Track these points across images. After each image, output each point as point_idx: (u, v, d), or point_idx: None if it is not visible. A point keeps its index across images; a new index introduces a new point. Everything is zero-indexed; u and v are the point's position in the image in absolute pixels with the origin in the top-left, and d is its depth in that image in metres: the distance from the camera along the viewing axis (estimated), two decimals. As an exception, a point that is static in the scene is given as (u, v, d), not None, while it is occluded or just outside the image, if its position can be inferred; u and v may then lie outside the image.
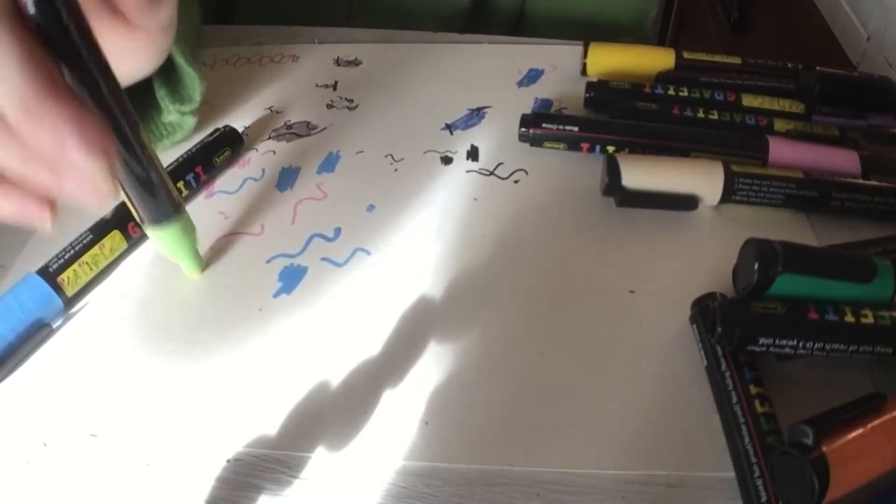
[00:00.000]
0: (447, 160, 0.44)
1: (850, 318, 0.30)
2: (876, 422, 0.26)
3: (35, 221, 0.25)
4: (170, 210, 0.32)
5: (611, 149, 0.43)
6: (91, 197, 0.24)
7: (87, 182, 0.23)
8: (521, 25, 0.63)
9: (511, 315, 0.35)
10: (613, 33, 0.62)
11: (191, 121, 0.43)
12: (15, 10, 0.22)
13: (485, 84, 0.50)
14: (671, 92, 0.46)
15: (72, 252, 0.35)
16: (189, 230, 0.34)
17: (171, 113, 0.42)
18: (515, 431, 0.30)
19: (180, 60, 0.40)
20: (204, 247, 0.38)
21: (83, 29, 0.25)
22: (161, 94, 0.41)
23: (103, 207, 0.26)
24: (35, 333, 0.33)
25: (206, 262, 0.37)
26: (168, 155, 0.42)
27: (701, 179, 0.39)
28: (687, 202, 0.39)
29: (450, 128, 0.46)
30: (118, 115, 0.27)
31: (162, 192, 0.32)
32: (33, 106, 0.22)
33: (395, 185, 0.42)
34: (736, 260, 0.34)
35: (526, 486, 0.28)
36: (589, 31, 0.59)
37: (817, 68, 0.45)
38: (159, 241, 0.34)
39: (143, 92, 0.41)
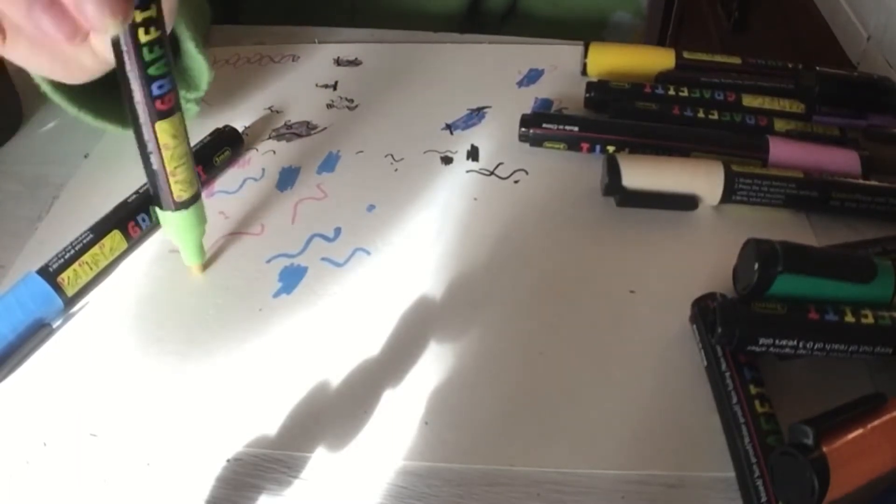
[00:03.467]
0: (447, 160, 0.44)
1: (850, 319, 0.30)
2: (876, 422, 0.26)
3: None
4: (189, 192, 0.33)
5: (611, 149, 0.43)
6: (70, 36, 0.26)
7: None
8: (515, 11, 0.63)
9: (511, 315, 0.35)
10: (611, 7, 0.62)
11: (194, 109, 0.43)
12: None
13: (485, 84, 0.50)
14: (671, 92, 0.46)
15: (72, 252, 0.35)
16: (201, 219, 0.35)
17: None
18: (515, 431, 0.30)
19: (190, 46, 0.40)
20: (204, 246, 0.38)
21: None
22: None
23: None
24: (35, 333, 0.33)
25: (206, 262, 0.37)
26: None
27: (701, 179, 0.39)
28: (687, 202, 0.39)
29: (450, 128, 0.46)
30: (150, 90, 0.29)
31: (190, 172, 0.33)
32: None
33: (395, 185, 0.42)
34: (736, 260, 0.34)
35: (526, 486, 0.28)
36: (586, 9, 0.59)
37: (817, 68, 0.45)
38: (170, 224, 0.34)
39: None
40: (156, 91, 0.29)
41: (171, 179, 0.32)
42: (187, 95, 0.42)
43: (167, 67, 0.29)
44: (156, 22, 0.28)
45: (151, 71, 0.28)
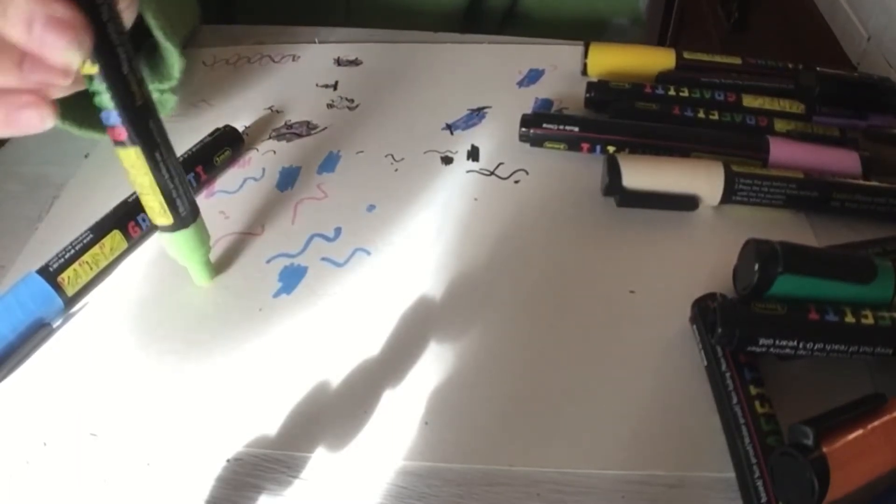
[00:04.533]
0: (447, 160, 0.44)
1: (850, 319, 0.30)
2: (876, 422, 0.26)
3: (31, 123, 0.25)
4: (187, 214, 0.32)
5: (611, 149, 0.43)
6: (57, 79, 0.25)
7: (56, 63, 0.24)
8: (515, 12, 0.63)
9: (511, 315, 0.35)
10: (610, 13, 0.62)
11: (171, 99, 0.43)
12: None
13: (485, 84, 0.50)
14: (671, 92, 0.46)
15: (72, 252, 0.35)
16: (203, 237, 0.34)
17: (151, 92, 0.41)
18: (515, 431, 0.30)
19: (159, 35, 0.40)
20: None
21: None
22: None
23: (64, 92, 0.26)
24: (35, 333, 0.33)
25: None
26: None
27: (701, 180, 0.39)
28: (687, 202, 0.39)
29: (450, 128, 0.46)
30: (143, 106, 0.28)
31: (178, 194, 0.31)
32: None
33: (396, 185, 0.42)
34: (736, 260, 0.34)
35: (526, 486, 0.28)
36: (585, 13, 0.59)
37: (817, 68, 0.45)
38: (172, 245, 0.33)
39: None
40: (105, 120, 0.28)
41: (142, 201, 0.31)
42: (160, 86, 0.42)
43: (112, 102, 0.27)
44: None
45: (95, 101, 0.28)
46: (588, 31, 0.62)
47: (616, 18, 0.63)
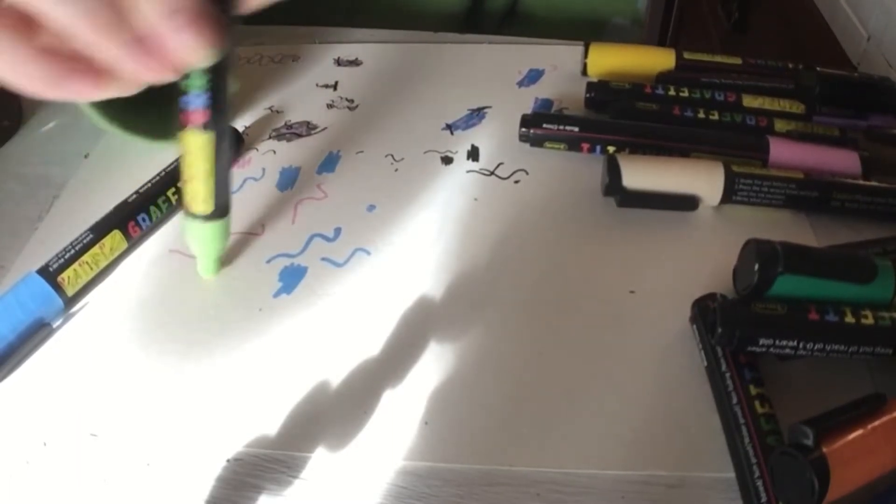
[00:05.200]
0: (447, 160, 0.44)
1: (850, 319, 0.30)
2: (876, 422, 0.26)
3: (82, 91, 0.24)
4: (226, 205, 0.33)
5: (611, 149, 0.43)
6: (160, 73, 0.23)
7: (172, 59, 0.23)
8: (515, 13, 0.63)
9: (511, 315, 0.35)
10: (609, 13, 0.62)
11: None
12: None
13: (485, 84, 0.50)
14: (671, 92, 0.46)
15: (72, 252, 0.35)
16: (219, 236, 0.34)
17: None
18: (515, 431, 0.30)
19: None
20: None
21: None
22: None
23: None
24: (35, 333, 0.33)
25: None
26: (168, 154, 0.42)
27: (701, 180, 0.39)
28: (687, 202, 0.39)
29: (450, 128, 0.46)
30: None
31: (223, 185, 0.32)
32: None
33: (396, 185, 0.42)
34: (736, 260, 0.34)
35: (526, 486, 0.28)
36: (585, 13, 0.59)
37: (817, 68, 0.45)
38: (202, 234, 0.34)
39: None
40: (185, 105, 0.29)
41: (185, 187, 0.32)
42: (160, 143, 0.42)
43: (207, 85, 0.28)
44: None
45: (183, 84, 0.28)
46: (588, 31, 0.62)
47: (616, 18, 0.63)
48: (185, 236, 0.35)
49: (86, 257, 0.35)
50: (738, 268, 0.34)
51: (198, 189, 0.32)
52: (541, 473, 0.29)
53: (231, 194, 0.34)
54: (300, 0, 0.61)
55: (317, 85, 0.50)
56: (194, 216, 0.33)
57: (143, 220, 0.38)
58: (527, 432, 0.30)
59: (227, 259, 0.38)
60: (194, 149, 0.30)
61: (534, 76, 0.50)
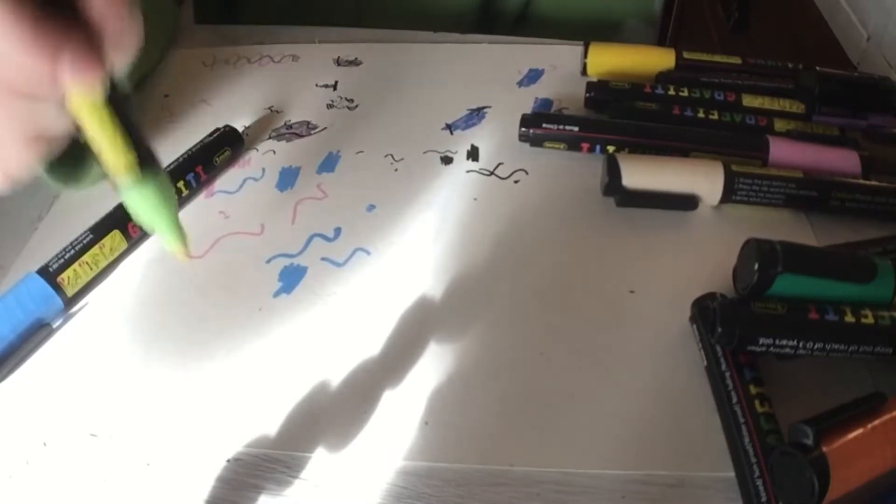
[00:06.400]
0: (447, 160, 0.44)
1: (850, 319, 0.30)
2: (876, 422, 0.26)
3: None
4: (148, 166, 0.28)
5: (611, 149, 0.43)
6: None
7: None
8: (527, 14, 0.63)
9: (511, 315, 0.35)
10: (624, 14, 0.62)
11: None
12: None
13: (485, 84, 0.50)
14: (671, 92, 0.46)
15: (72, 252, 0.35)
16: (169, 192, 0.29)
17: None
18: (515, 431, 0.30)
19: None
20: (204, 246, 0.38)
21: None
22: None
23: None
24: (35, 333, 0.33)
25: (206, 261, 0.37)
26: (168, 155, 0.42)
27: (701, 179, 0.39)
28: (687, 202, 0.39)
29: (450, 128, 0.46)
30: None
31: (138, 142, 0.27)
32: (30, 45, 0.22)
33: (395, 185, 0.42)
34: (736, 260, 0.34)
35: (526, 486, 0.28)
36: (599, 14, 0.58)
37: (817, 68, 0.45)
38: (136, 204, 0.29)
39: None
40: None
41: (99, 159, 0.27)
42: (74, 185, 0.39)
43: None
44: None
45: None
46: (601, 32, 0.62)
47: (630, 20, 0.62)
48: (131, 211, 0.30)
49: (86, 257, 0.35)
50: (737, 267, 0.34)
51: (112, 156, 0.27)
52: (541, 473, 0.29)
53: (152, 146, 0.29)
54: (311, 1, 0.61)
55: (317, 85, 0.50)
56: (123, 188, 0.28)
57: (143, 220, 0.38)
58: (527, 432, 0.30)
59: (227, 259, 0.37)
60: (86, 108, 0.26)
61: (533, 76, 0.50)
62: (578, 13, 0.62)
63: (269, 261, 0.38)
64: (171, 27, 0.55)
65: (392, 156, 0.44)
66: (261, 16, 0.62)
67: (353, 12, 0.61)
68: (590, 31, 0.58)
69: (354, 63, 0.52)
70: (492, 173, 0.43)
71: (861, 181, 0.39)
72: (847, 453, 0.26)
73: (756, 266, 0.31)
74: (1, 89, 0.24)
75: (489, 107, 0.48)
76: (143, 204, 0.29)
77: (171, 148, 0.44)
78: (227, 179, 0.43)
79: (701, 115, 0.44)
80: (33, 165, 0.26)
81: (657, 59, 0.49)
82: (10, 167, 0.26)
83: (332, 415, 0.31)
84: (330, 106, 0.48)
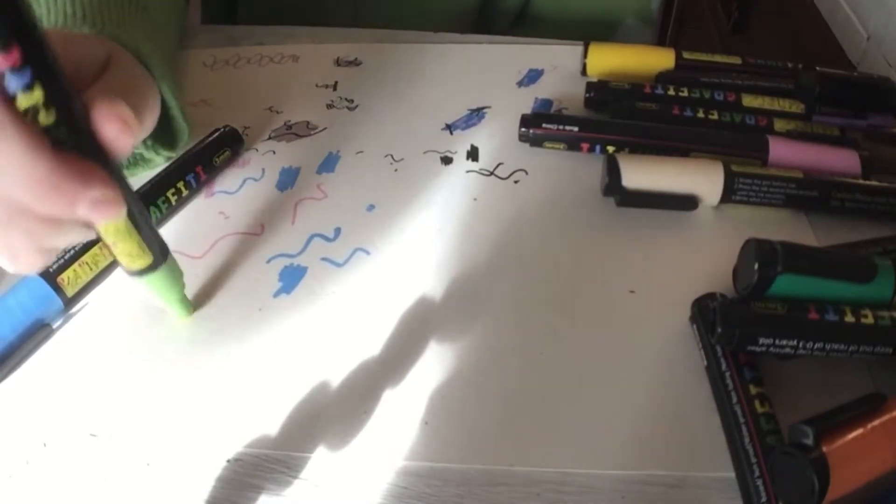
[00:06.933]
0: (447, 160, 0.44)
1: (850, 319, 0.30)
2: (876, 422, 0.26)
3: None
4: (158, 254, 0.31)
5: (611, 149, 0.43)
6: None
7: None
8: (526, 14, 0.63)
9: (511, 315, 0.35)
10: (622, 14, 0.62)
11: (161, 161, 0.42)
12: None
13: (485, 84, 0.50)
14: (671, 92, 0.46)
15: (72, 252, 0.35)
16: (177, 271, 0.33)
17: (150, 150, 0.41)
18: (515, 431, 0.30)
19: (175, 113, 0.40)
20: (204, 246, 0.38)
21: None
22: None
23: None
24: (35, 333, 0.33)
25: (206, 261, 0.37)
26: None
27: (701, 179, 0.39)
28: (687, 202, 0.39)
29: (450, 128, 0.46)
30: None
31: (150, 234, 0.30)
32: (46, 185, 0.24)
33: (395, 185, 0.42)
34: (736, 260, 0.34)
35: (526, 486, 0.28)
36: (598, 14, 0.59)
37: (817, 68, 0.45)
38: (149, 287, 0.32)
39: None
40: None
41: (114, 251, 0.30)
42: (161, 151, 0.41)
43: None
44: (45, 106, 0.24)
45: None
46: (599, 32, 0.62)
47: (628, 19, 0.63)
48: (142, 293, 0.33)
49: (86, 258, 0.35)
50: (737, 267, 0.34)
51: (126, 249, 0.29)
52: (541, 473, 0.29)
53: (159, 234, 0.31)
54: (308, 1, 0.61)
55: (317, 85, 0.50)
56: (137, 273, 0.31)
57: (143, 220, 0.38)
58: (527, 432, 0.30)
59: (227, 259, 0.38)
60: (103, 228, 0.28)
61: (533, 76, 0.50)
62: (577, 13, 0.62)
63: (269, 261, 0.38)
64: (181, 23, 0.55)
65: (392, 156, 0.44)
66: (259, 16, 0.62)
67: (351, 12, 0.61)
68: (588, 31, 0.59)
69: (354, 63, 0.52)
70: (492, 173, 0.43)
71: (861, 181, 0.39)
72: (847, 453, 0.26)
73: (756, 266, 0.31)
74: (21, 213, 0.25)
75: (489, 107, 0.48)
76: (155, 286, 0.32)
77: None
78: (227, 179, 0.43)
79: (701, 115, 0.44)
80: (43, 267, 0.29)
81: (657, 59, 0.49)
82: (22, 269, 0.28)
83: (332, 415, 0.31)
84: (330, 106, 0.48)
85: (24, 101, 0.23)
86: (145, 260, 0.30)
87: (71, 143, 0.25)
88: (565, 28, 0.62)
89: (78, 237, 0.28)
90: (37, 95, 0.23)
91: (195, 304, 0.35)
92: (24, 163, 0.24)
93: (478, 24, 0.62)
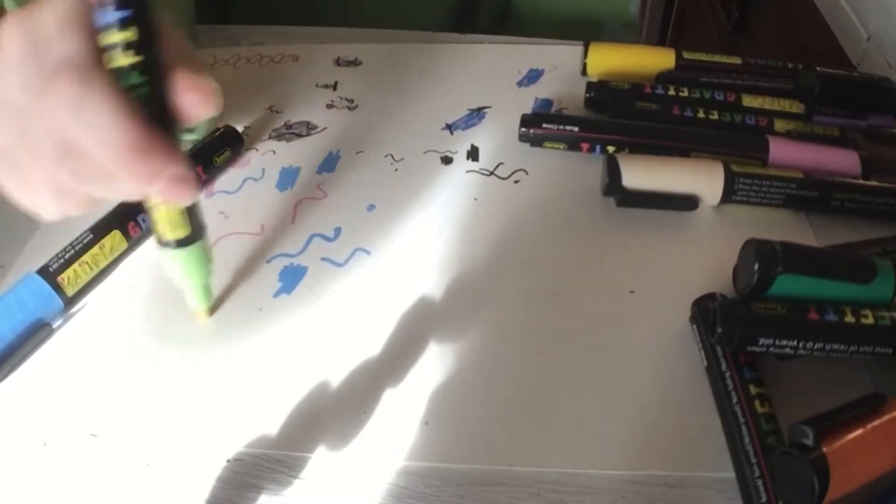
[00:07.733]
0: (447, 160, 0.44)
1: (850, 319, 0.30)
2: (876, 422, 0.26)
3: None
4: (198, 228, 0.30)
5: (611, 149, 0.43)
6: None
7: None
8: (509, 13, 0.63)
9: (511, 315, 0.35)
10: (601, 13, 0.62)
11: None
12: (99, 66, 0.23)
13: (485, 84, 0.50)
14: (671, 92, 0.46)
15: (72, 252, 0.35)
16: (209, 255, 0.32)
17: None
18: (515, 431, 0.30)
19: None
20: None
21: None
22: None
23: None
24: (35, 333, 0.33)
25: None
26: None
27: (701, 179, 0.39)
28: (687, 202, 0.39)
29: (450, 128, 0.46)
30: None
31: (194, 206, 0.30)
32: (130, 156, 0.24)
33: (395, 185, 0.42)
34: (736, 260, 0.34)
35: (526, 486, 0.28)
36: (575, 14, 0.59)
37: (817, 68, 0.45)
38: (178, 262, 0.31)
39: None
40: None
41: (152, 214, 0.29)
42: (189, 136, 0.42)
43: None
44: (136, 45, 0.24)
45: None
46: (580, 32, 0.62)
47: (608, 22, 0.63)
48: (166, 270, 0.32)
49: (86, 257, 0.35)
50: (737, 267, 0.34)
51: (168, 215, 0.29)
52: (541, 473, 0.29)
53: (201, 209, 0.31)
54: (289, 2, 0.61)
55: (317, 85, 0.50)
56: (170, 244, 0.30)
57: (143, 220, 0.38)
58: (527, 432, 0.30)
59: (227, 259, 0.38)
60: (160, 207, 0.28)
61: (534, 76, 0.50)
62: (557, 13, 0.62)
63: (269, 261, 0.38)
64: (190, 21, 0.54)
65: (392, 156, 0.44)
66: (252, 10, 0.62)
67: (339, 11, 0.61)
68: (570, 32, 0.59)
69: (354, 63, 0.52)
70: (492, 173, 0.43)
71: (861, 181, 0.39)
72: (847, 454, 0.26)
73: (756, 266, 0.31)
74: (79, 159, 0.24)
75: (489, 107, 0.48)
76: (185, 262, 0.31)
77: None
78: (227, 179, 0.43)
79: (701, 115, 0.44)
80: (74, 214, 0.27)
81: (657, 59, 0.49)
82: (54, 213, 0.27)
83: (332, 415, 0.31)
84: (330, 106, 0.48)
85: (114, 38, 0.23)
86: (184, 230, 0.30)
87: (148, 108, 0.24)
88: (546, 27, 0.62)
89: (118, 196, 0.27)
90: (130, 34, 0.23)
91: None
92: (116, 125, 0.23)
93: (459, 23, 0.62)
